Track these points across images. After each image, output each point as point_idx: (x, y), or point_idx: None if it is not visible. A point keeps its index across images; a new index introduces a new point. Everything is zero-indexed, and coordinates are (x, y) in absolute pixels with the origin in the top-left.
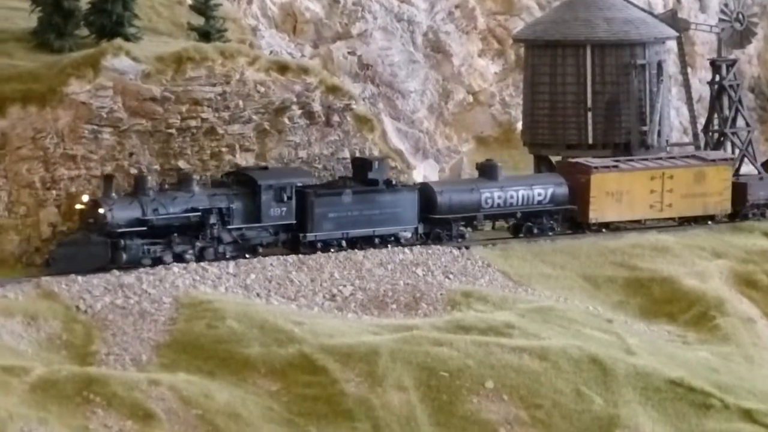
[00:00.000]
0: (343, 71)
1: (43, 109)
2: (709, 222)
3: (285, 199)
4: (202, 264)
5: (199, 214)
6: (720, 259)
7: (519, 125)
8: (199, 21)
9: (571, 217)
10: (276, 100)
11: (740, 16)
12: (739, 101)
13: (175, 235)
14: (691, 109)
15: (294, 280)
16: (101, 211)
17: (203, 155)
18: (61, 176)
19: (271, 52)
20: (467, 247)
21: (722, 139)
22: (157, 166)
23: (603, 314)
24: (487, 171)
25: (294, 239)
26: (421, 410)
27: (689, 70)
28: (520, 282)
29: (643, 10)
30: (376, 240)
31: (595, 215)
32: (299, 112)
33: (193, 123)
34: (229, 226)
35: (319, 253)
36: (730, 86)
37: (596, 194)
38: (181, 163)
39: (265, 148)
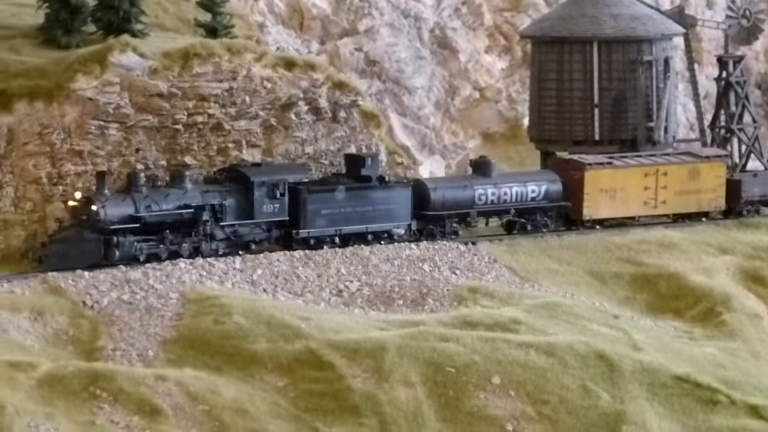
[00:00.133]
0: (350, 67)
1: (50, 104)
2: (703, 219)
3: (278, 195)
4: (208, 259)
5: (191, 210)
6: (727, 255)
7: (526, 121)
8: (205, 17)
9: (565, 213)
10: (283, 96)
11: (747, 12)
12: (746, 98)
13: (168, 231)
14: (697, 106)
15: (301, 276)
16: (94, 207)
17: (210, 151)
18: (67, 172)
19: (277, 48)
20: (474, 243)
21: (729, 135)
22: (163, 162)
23: (609, 310)
24: (480, 168)
25: (287, 236)
26: (427, 406)
27: (696, 66)
28: (527, 278)
29: (649, 6)
30: (369, 237)
31: (588, 212)
32: (306, 108)
33: (199, 119)
34: (222, 223)
35: (325, 248)
36: (737, 83)
37: (590, 191)
38: (188, 159)
39: (271, 144)
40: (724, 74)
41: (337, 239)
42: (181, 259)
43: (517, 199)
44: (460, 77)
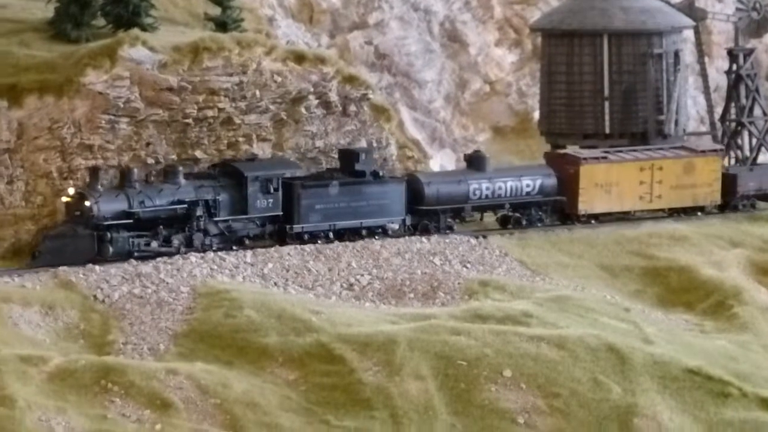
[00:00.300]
0: (360, 61)
1: (60, 99)
2: (699, 213)
3: (271, 190)
4: (219, 253)
5: (185, 206)
6: (737, 248)
7: (536, 115)
8: (215, 11)
9: (560, 208)
10: (293, 89)
11: (757, 5)
12: (756, 90)
13: (162, 227)
14: (708, 99)
15: (311, 270)
16: (87, 203)
17: (220, 145)
18: (78, 166)
19: (287, 41)
20: (484, 236)
21: (739, 128)
22: (174, 156)
23: (620, 303)
24: (475, 162)
25: (281, 231)
26: (438, 399)
27: (706, 59)
28: (538, 271)
29: None
30: (364, 232)
31: (584, 206)
32: (316, 101)
33: (209, 113)
34: (216, 218)
35: (336, 242)
36: (747, 75)
37: (585, 185)
38: (198, 153)
39: (281, 138)
40: (734, 67)
41: (331, 234)
42: (192, 252)
43: (511, 193)
44: (470, 70)
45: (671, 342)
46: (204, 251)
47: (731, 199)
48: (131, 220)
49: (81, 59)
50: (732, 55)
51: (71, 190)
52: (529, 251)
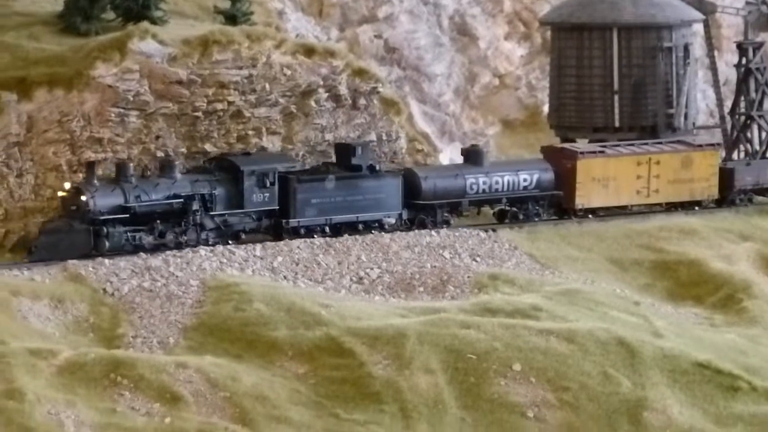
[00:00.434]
0: (370, 54)
1: (70, 92)
2: (696, 208)
3: (268, 184)
4: (228, 247)
5: (181, 200)
6: (747, 241)
7: (545, 108)
8: (225, 4)
9: (557, 203)
10: (302, 83)
11: None
12: (766, 84)
13: (158, 222)
14: (717, 92)
15: (321, 263)
16: (83, 198)
17: (230, 138)
18: (87, 159)
19: (297, 35)
20: (494, 230)
21: (749, 121)
22: (183, 149)
23: (630, 297)
24: (472, 156)
25: (277, 225)
26: (448, 393)
27: (716, 53)
28: (547, 265)
29: None
30: (360, 226)
31: (581, 201)
32: (326, 95)
33: (219, 106)
34: (212, 213)
35: (346, 236)
36: (757, 69)
37: (582, 180)
38: (208, 146)
39: (291, 131)
40: (743, 61)
41: (327, 229)
42: (202, 246)
43: (508, 188)
44: (480, 64)
45: (681, 336)
46: (200, 245)
47: (728, 194)
48: (127, 215)
49: (91, 52)
50: (741, 48)
51: (67, 185)
52: (538, 245)
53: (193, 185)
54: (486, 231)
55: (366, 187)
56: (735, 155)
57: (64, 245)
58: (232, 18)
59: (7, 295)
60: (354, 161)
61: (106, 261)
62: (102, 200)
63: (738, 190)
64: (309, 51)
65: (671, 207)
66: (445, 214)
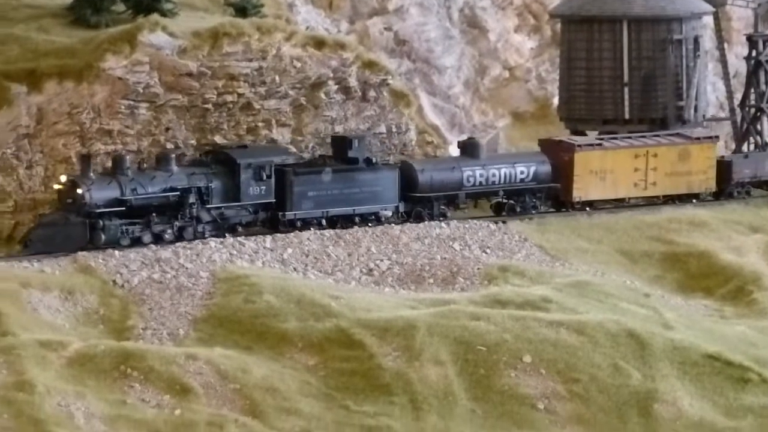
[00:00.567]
0: (380, 47)
1: (80, 84)
2: (694, 201)
3: (264, 177)
4: (239, 239)
5: (177, 193)
6: (757, 233)
7: (555, 100)
8: None
9: (554, 195)
10: (312, 75)
11: None
12: None
13: (154, 215)
14: (727, 85)
15: (331, 255)
16: (79, 191)
17: (240, 130)
18: (97, 151)
19: (307, 27)
20: (504, 222)
21: (759, 114)
22: (193, 141)
23: (640, 288)
24: (468, 149)
25: (273, 218)
26: (458, 384)
27: (725, 45)
28: (557, 256)
29: None
30: (357, 219)
31: (578, 193)
32: (335, 87)
33: (229, 98)
34: (208, 206)
35: (356, 227)
36: (767, 61)
37: (580, 172)
38: (218, 138)
39: (301, 123)
40: (753, 53)
41: (324, 222)
42: (212, 238)
43: (505, 180)
44: (490, 56)
45: (691, 327)
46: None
47: (726, 186)
48: (123, 208)
49: (101, 44)
50: (751, 41)
51: (63, 178)
52: (548, 236)
53: (189, 178)
54: (496, 223)
55: (363, 179)
56: (745, 147)
57: (60, 238)
58: (242, 10)
59: (17, 287)
60: (351, 154)
61: (116, 253)
62: (98, 193)
63: (736, 183)
64: (319, 43)
65: (669, 200)
66: (442, 207)
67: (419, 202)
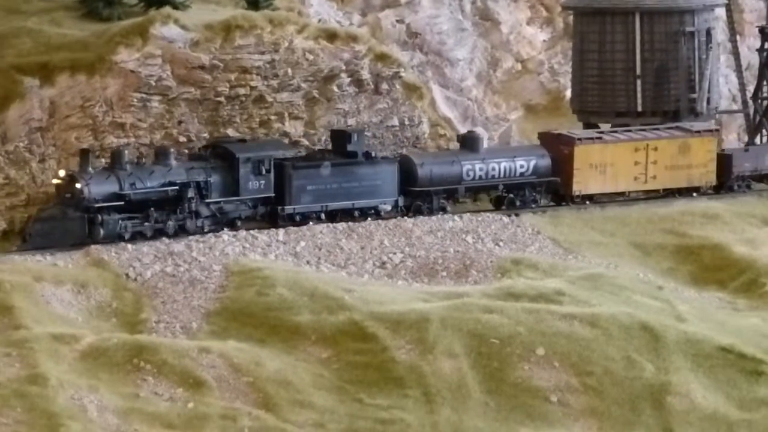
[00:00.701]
0: (392, 39)
1: (92, 77)
2: (694, 194)
3: (263, 171)
4: (251, 232)
5: (176, 188)
6: None
7: (568, 93)
8: None
9: (554, 189)
10: (325, 68)
11: None
12: None
13: (153, 209)
14: (740, 77)
15: (344, 248)
16: (78, 185)
17: (252, 123)
18: (109, 144)
19: (319, 20)
20: (517, 215)
21: None
22: (206, 134)
23: (653, 281)
24: (468, 143)
25: (272, 212)
26: (471, 377)
27: (738, 37)
28: (570, 249)
29: None
30: (356, 213)
31: (578, 187)
32: (348, 80)
33: (241, 91)
34: (207, 200)
35: (369, 220)
36: None
37: (580, 166)
38: (230, 132)
39: (314, 116)
40: (766, 45)
41: (323, 216)
42: (225, 231)
43: (505, 174)
44: (502, 49)
45: (704, 320)
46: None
47: (727, 180)
48: (122, 202)
49: (113, 37)
50: (764, 33)
51: (62, 172)
52: (561, 229)
53: (188, 172)
54: (509, 216)
55: (362, 173)
56: (758, 140)
57: (58, 233)
58: (254, 3)
59: (30, 281)
60: (350, 148)
61: (129, 246)
62: (97, 188)
63: (736, 176)
64: (331, 36)
65: (669, 193)
66: (442, 201)
67: (419, 196)
